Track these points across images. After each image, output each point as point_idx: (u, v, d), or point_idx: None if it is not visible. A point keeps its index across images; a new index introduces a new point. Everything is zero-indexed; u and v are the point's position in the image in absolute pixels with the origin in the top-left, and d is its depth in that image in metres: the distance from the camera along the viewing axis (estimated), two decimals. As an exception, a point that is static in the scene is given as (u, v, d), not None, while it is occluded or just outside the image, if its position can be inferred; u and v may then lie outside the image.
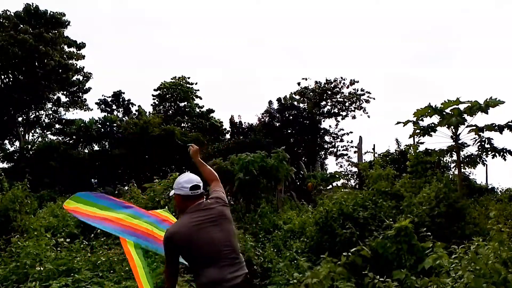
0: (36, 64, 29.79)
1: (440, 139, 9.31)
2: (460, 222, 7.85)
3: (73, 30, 44.69)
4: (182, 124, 33.42)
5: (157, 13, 61.29)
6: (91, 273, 6.12)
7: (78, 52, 32.66)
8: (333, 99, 31.35)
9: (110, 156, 28.86)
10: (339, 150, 31.33)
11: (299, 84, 31.41)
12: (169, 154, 27.65)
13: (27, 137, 32.82)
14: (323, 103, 31.38)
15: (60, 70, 30.95)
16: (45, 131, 34.25)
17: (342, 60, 53.81)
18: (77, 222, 9.42)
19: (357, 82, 30.74)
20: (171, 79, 35.38)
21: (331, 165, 42.74)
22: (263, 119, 30.25)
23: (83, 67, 33.02)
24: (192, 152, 3.77)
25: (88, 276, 5.96)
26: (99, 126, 31.35)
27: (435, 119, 9.03)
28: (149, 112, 34.49)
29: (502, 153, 8.80)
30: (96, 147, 31.52)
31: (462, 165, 9.46)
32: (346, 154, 30.88)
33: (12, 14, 30.20)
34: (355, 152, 28.56)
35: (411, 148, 11.15)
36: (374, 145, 22.39)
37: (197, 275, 2.99)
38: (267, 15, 61.32)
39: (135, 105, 34.73)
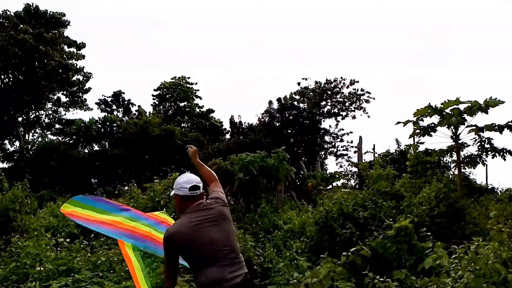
0: (36, 64, 29.80)
1: (440, 139, 9.31)
2: (460, 222, 7.85)
3: (73, 30, 44.80)
4: (182, 124, 33.44)
5: (157, 13, 61.40)
6: (91, 273, 6.13)
7: (78, 52, 32.69)
8: (333, 99, 31.35)
9: (110, 156, 28.88)
10: (339, 150, 31.37)
11: (299, 84, 31.47)
12: (169, 154, 27.66)
13: (27, 137, 32.82)
14: (323, 103, 31.38)
15: (60, 70, 30.97)
16: (45, 131, 34.28)
17: (342, 60, 53.91)
18: (77, 222, 9.40)
19: (357, 82, 30.79)
20: (171, 79, 35.43)
21: (331, 165, 42.67)
22: (263, 119, 30.24)
23: (83, 67, 33.13)
24: (191, 153, 3.77)
25: (88, 276, 5.97)
26: (99, 126, 31.37)
27: (435, 119, 9.04)
28: (149, 112, 34.58)
29: (502, 153, 8.80)
30: (96, 147, 31.57)
31: (462, 165, 9.46)
32: (346, 154, 30.94)
33: (12, 14, 30.22)
34: (355, 152, 28.55)
35: (411, 148, 11.15)
36: (374, 145, 22.41)
37: (197, 275, 2.99)
38: (267, 15, 61.42)
39: (135, 105, 34.86)
